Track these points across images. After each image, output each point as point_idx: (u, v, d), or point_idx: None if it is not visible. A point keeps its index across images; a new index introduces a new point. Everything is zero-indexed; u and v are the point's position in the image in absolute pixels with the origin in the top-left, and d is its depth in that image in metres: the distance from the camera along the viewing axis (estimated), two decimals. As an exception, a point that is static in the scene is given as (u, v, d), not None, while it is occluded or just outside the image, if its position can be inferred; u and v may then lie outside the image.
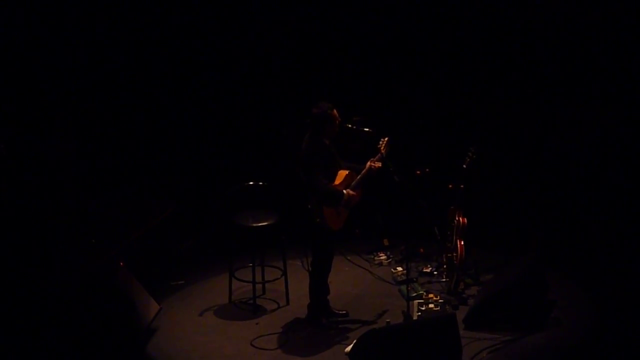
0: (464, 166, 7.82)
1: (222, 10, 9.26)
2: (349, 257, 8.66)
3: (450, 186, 7.93)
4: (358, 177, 7.11)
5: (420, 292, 7.70)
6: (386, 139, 7.25)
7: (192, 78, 9.31)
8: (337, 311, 7.43)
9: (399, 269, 8.32)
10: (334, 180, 7.06)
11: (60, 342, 6.90)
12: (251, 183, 7.77)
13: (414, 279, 8.00)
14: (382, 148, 7.18)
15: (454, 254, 7.73)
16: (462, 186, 7.80)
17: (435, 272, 8.21)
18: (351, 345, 6.69)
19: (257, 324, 7.44)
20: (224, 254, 8.01)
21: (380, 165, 7.13)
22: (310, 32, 9.39)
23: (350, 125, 7.26)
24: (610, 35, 8.84)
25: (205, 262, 8.72)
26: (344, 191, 7.01)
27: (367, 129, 7.27)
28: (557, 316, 7.22)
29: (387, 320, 7.14)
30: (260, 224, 7.54)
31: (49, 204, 8.38)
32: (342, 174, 7.10)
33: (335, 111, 6.98)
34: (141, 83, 9.09)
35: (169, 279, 8.30)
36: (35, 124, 8.50)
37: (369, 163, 7.12)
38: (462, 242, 7.67)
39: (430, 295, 7.62)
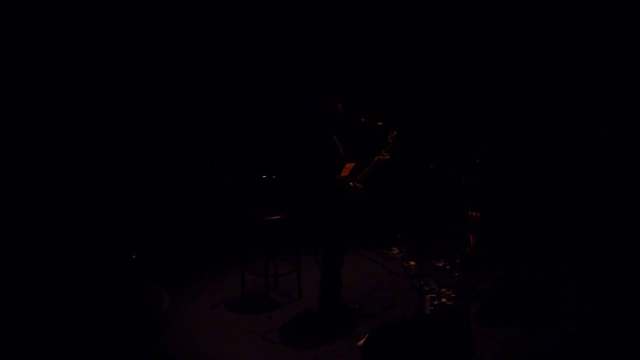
0: (477, 160, 7.80)
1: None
2: (361, 251, 8.65)
3: (463, 180, 7.91)
4: (366, 169, 7.11)
5: (433, 286, 7.70)
6: (395, 132, 7.24)
7: (204, 71, 9.31)
8: (349, 305, 7.42)
9: (412, 263, 8.32)
10: (339, 172, 7.05)
11: (74, 335, 6.94)
12: (264, 176, 7.77)
13: (427, 273, 7.99)
14: (390, 140, 7.18)
15: (467, 248, 7.72)
16: (475, 180, 7.79)
17: (448, 267, 8.20)
18: (364, 339, 6.69)
19: (269, 317, 7.45)
20: (237, 247, 8.01)
21: (388, 157, 7.13)
22: (320, 24, 9.37)
23: (363, 119, 7.25)
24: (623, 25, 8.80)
25: (217, 256, 8.72)
26: (350, 183, 7.01)
27: (379, 123, 7.26)
28: (569, 312, 7.21)
29: (400, 314, 7.13)
30: (272, 218, 7.55)
31: (62, 199, 8.42)
32: (349, 166, 7.10)
33: (340, 105, 6.99)
34: (153, 78, 9.10)
35: (181, 272, 8.32)
36: (50, 124, 8.54)
37: (378, 156, 7.13)
38: (475, 237, 7.65)
39: (443, 290, 7.63)
